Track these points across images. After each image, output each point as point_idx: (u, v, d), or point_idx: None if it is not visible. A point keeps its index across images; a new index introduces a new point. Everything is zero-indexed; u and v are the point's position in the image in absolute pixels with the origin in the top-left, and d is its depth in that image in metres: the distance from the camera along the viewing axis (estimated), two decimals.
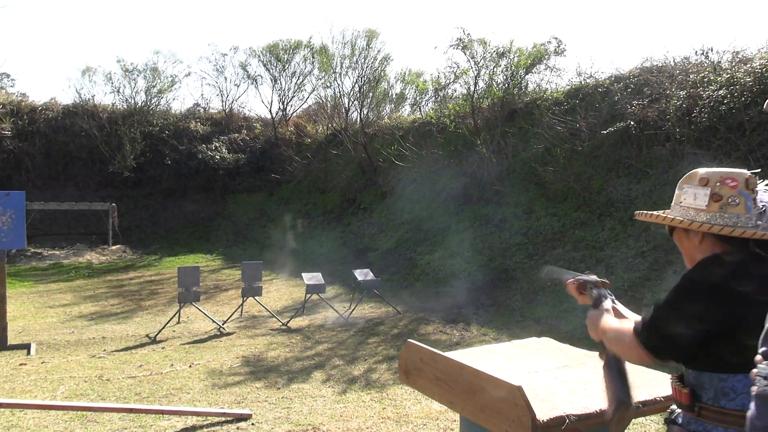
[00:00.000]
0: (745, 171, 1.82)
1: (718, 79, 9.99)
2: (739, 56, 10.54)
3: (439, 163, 15.81)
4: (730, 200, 1.77)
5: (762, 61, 9.68)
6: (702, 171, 1.84)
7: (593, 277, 2.28)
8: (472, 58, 14.72)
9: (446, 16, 60.70)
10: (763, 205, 1.79)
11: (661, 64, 12.09)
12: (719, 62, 10.70)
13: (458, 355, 2.98)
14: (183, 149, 23.80)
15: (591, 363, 2.93)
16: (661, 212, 1.93)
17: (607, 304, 2.13)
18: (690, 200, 1.83)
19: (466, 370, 2.57)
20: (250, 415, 5.22)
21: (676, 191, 1.91)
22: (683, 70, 11.18)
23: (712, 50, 11.08)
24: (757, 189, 1.80)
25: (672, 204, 1.92)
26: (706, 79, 10.27)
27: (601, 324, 2.00)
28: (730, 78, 9.77)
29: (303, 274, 10.21)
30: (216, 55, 26.42)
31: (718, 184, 1.78)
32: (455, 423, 4.96)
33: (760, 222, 1.78)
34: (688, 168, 8.18)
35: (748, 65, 9.86)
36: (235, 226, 21.99)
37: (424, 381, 2.88)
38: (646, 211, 1.97)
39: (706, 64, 10.86)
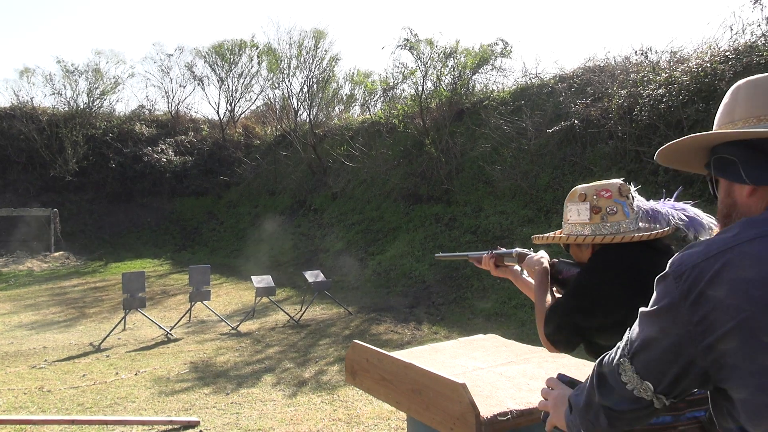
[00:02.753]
0: (617, 180, 1.94)
1: (658, 78, 10.28)
2: (677, 56, 10.88)
3: (388, 164, 15.84)
4: (608, 210, 1.89)
5: (698, 60, 10.01)
6: (579, 188, 1.95)
7: (517, 250, 2.38)
8: (420, 58, 14.80)
9: (393, 16, 60.94)
10: (638, 208, 1.92)
11: (603, 64, 12.38)
12: (658, 62, 11.02)
13: (404, 355, 2.98)
14: (128, 152, 23.22)
15: (535, 358, 2.97)
16: (552, 233, 2.07)
17: (540, 254, 2.25)
18: (575, 216, 1.93)
19: (411, 369, 2.57)
20: (198, 422, 5.12)
21: (564, 210, 2.02)
22: (624, 70, 11.47)
23: (651, 50, 11.42)
24: (630, 194, 1.93)
25: (562, 222, 2.03)
26: (645, 79, 10.56)
27: (534, 287, 2.14)
28: (669, 77, 10.06)
29: (252, 277, 10.08)
30: (161, 55, 25.83)
31: (594, 197, 1.90)
32: (406, 423, 4.96)
33: (641, 224, 1.92)
34: (630, 165, 8.43)
35: (685, 65, 10.18)
36: (183, 230, 21.58)
37: (371, 381, 2.87)
38: (541, 235, 2.10)
39: (645, 64, 11.17)
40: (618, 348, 1.20)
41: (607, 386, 1.20)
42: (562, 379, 1.59)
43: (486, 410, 2.27)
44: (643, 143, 10.04)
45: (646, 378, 1.12)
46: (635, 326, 1.16)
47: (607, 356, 1.23)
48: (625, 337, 1.19)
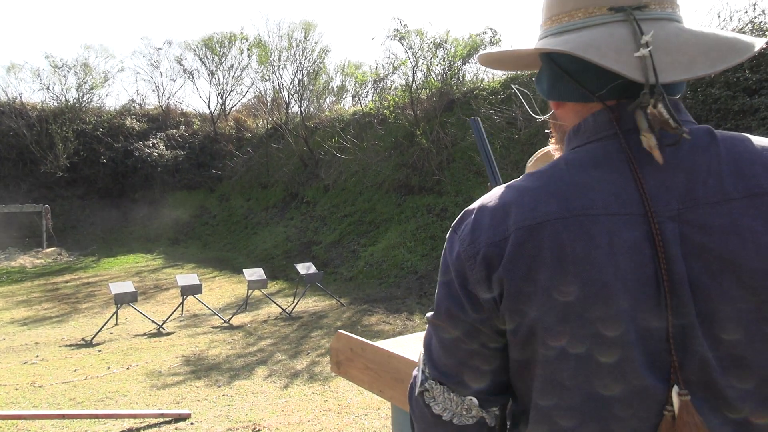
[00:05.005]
0: None
1: None
2: None
3: (380, 155, 15.85)
4: None
5: None
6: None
7: None
8: (410, 48, 14.80)
9: (383, 7, 60.77)
10: None
11: None
12: None
13: (388, 344, 3.01)
14: (119, 147, 23.14)
15: None
16: None
17: None
18: None
19: (394, 358, 2.59)
20: (189, 414, 5.14)
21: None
22: None
23: None
24: None
25: None
26: None
27: None
28: None
29: (244, 270, 10.09)
30: (150, 49, 25.78)
31: None
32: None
33: None
34: None
35: None
36: (175, 224, 21.54)
37: (355, 371, 2.89)
38: None
39: None
40: None
41: None
42: None
43: None
44: None
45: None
46: None
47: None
48: None
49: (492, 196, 0.92)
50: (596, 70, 0.88)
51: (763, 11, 9.63)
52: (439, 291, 0.94)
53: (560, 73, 0.93)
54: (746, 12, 9.80)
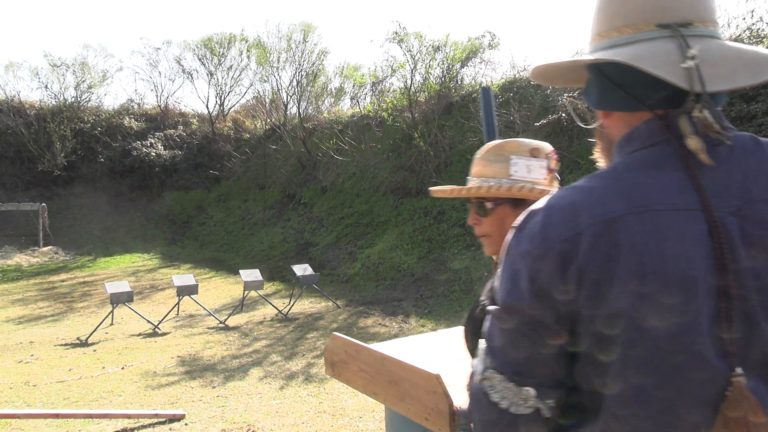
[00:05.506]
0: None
1: None
2: None
3: (378, 157, 15.85)
4: (556, 173, 1.66)
5: None
6: (523, 141, 1.64)
7: None
8: (409, 51, 14.81)
9: (382, 10, 60.86)
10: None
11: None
12: None
13: (383, 347, 3.01)
14: (117, 146, 23.12)
15: None
16: (476, 184, 1.62)
17: None
18: (522, 172, 1.59)
19: (388, 361, 2.59)
20: (184, 415, 5.14)
21: (493, 163, 1.61)
22: None
23: None
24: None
25: (485, 178, 1.61)
26: None
27: None
28: None
29: (241, 271, 10.09)
30: (149, 49, 25.73)
31: (548, 155, 1.63)
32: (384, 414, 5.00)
33: None
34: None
35: None
36: (173, 225, 21.52)
37: (349, 373, 2.89)
38: (452, 187, 1.67)
39: None
40: None
41: None
42: None
43: (460, 400, 2.30)
44: None
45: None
46: None
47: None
48: None
49: (557, 196, 0.98)
50: (644, 81, 0.95)
51: (760, 18, 9.66)
52: (504, 286, 0.99)
53: (610, 84, 1.00)
54: (744, 19, 9.83)
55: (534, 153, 1.58)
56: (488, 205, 1.58)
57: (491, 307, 1.03)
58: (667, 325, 0.88)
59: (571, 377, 0.99)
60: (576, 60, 1.04)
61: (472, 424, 1.07)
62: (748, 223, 0.89)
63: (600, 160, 1.17)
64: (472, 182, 1.61)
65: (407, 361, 2.50)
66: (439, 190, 1.63)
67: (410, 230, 12.96)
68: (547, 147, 1.62)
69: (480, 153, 1.64)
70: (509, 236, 1.02)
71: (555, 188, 1.59)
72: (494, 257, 1.65)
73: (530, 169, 1.57)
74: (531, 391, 0.97)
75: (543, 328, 0.95)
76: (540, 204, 1.00)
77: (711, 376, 0.88)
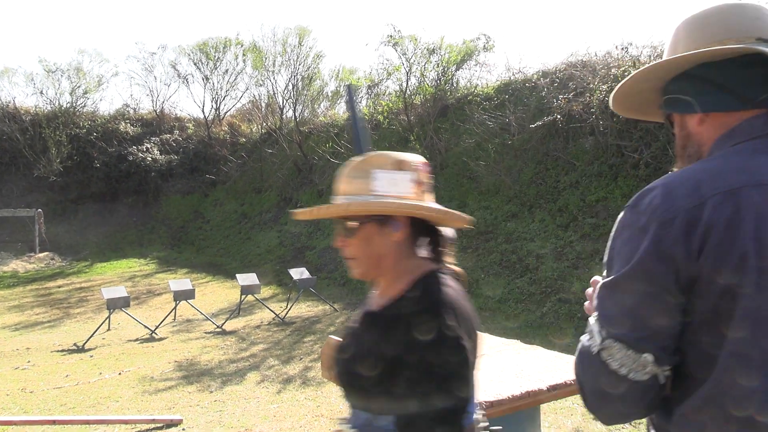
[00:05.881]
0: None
1: None
2: (657, 51, 10.96)
3: None
4: (428, 188, 1.52)
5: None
6: (386, 153, 1.50)
7: None
8: (404, 54, 14.82)
9: (377, 13, 60.95)
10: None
11: (584, 59, 12.45)
12: (639, 57, 11.10)
13: None
14: (113, 151, 23.06)
15: (508, 350, 3.01)
16: (350, 202, 1.46)
17: None
18: (386, 187, 1.44)
19: None
20: (181, 420, 5.13)
21: (355, 179, 1.47)
22: (605, 65, 11.55)
23: (631, 45, 11.50)
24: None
25: (348, 195, 1.47)
26: (626, 73, 10.63)
27: None
28: None
29: (237, 275, 10.09)
30: (144, 54, 25.69)
31: (414, 167, 1.48)
32: None
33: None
34: (612, 159, 8.45)
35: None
36: (169, 229, 21.49)
37: None
38: (310, 208, 1.51)
39: (626, 59, 11.24)
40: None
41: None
42: None
43: None
44: (624, 138, 10.12)
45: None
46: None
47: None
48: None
49: (674, 175, 1.09)
50: (753, 83, 1.09)
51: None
52: (623, 255, 1.06)
53: (712, 88, 1.12)
54: None
55: (399, 166, 1.46)
56: (352, 224, 1.47)
57: (606, 279, 1.09)
58: None
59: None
60: (697, 53, 1.11)
61: (584, 397, 1.13)
62: None
63: (676, 167, 1.24)
64: (336, 201, 1.48)
65: None
66: (300, 213, 1.50)
67: None
68: (414, 159, 1.50)
69: (343, 170, 1.53)
70: (622, 215, 1.11)
71: (428, 201, 1.48)
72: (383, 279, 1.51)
73: (395, 182, 1.45)
74: (649, 357, 1.03)
75: (665, 293, 1.02)
76: (656, 183, 1.09)
77: None
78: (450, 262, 1.59)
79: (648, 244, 1.02)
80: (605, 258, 1.14)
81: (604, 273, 1.13)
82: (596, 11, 53.53)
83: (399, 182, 1.45)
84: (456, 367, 1.29)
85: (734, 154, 1.08)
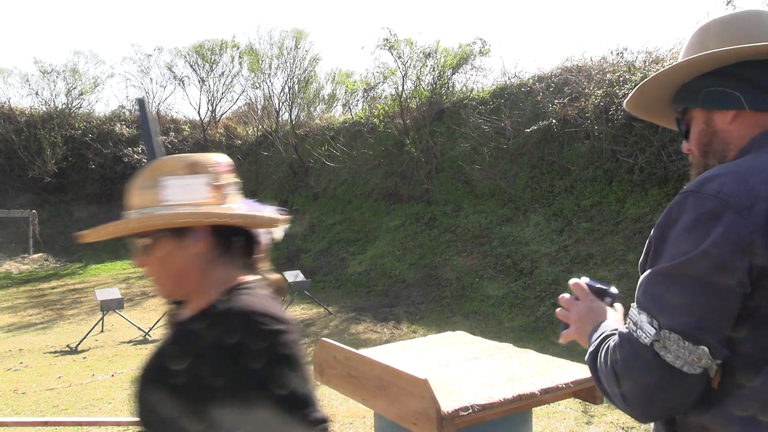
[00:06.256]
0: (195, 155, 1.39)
1: (633, 78, 10.40)
2: (652, 56, 11.02)
3: (369, 164, 15.87)
4: (229, 189, 1.38)
5: (672, 60, 10.14)
6: (186, 156, 1.37)
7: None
8: (399, 58, 14.84)
9: (373, 16, 61.08)
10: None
11: (580, 64, 12.49)
12: (634, 62, 11.15)
13: (371, 352, 3.02)
14: (108, 153, 23.01)
15: (500, 354, 3.01)
16: (132, 219, 1.31)
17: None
18: (179, 196, 1.30)
19: (377, 366, 2.61)
20: None
21: (145, 190, 1.33)
22: (600, 70, 11.59)
23: (626, 50, 11.56)
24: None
25: (138, 209, 1.32)
26: (621, 78, 10.68)
27: None
28: (644, 77, 10.17)
29: None
30: (140, 55, 25.57)
31: (211, 168, 1.34)
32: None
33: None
34: (607, 164, 8.46)
35: (660, 64, 10.32)
36: None
37: (338, 379, 2.90)
38: (137, 218, 1.31)
39: (621, 64, 11.29)
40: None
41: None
42: (591, 286, 1.35)
43: (448, 405, 2.31)
44: (619, 142, 10.16)
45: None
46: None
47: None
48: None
49: (735, 165, 1.09)
50: None
51: None
52: (686, 241, 1.02)
53: (751, 87, 1.14)
54: None
55: (192, 169, 1.32)
56: (145, 241, 1.31)
57: (662, 265, 1.05)
58: None
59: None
60: (753, 47, 1.12)
61: (623, 392, 1.07)
62: None
63: (698, 159, 1.25)
64: (125, 216, 1.33)
65: (395, 366, 2.51)
66: (87, 233, 1.34)
67: (401, 236, 12.98)
68: (212, 159, 1.36)
69: (134, 181, 1.38)
70: (680, 199, 1.07)
71: (233, 204, 1.36)
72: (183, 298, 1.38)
73: (188, 189, 1.31)
74: (705, 349, 0.99)
75: (735, 283, 0.99)
76: (715, 171, 1.07)
77: None
78: (264, 269, 1.45)
79: (722, 231, 0.98)
80: (651, 244, 1.11)
81: (645, 260, 1.12)
82: (592, 16, 53.73)
83: (193, 188, 1.31)
84: (277, 364, 1.17)
85: None
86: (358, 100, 19.96)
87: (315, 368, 3.06)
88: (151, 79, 25.89)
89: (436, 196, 13.34)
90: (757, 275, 0.98)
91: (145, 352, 7.97)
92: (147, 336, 8.77)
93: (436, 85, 15.05)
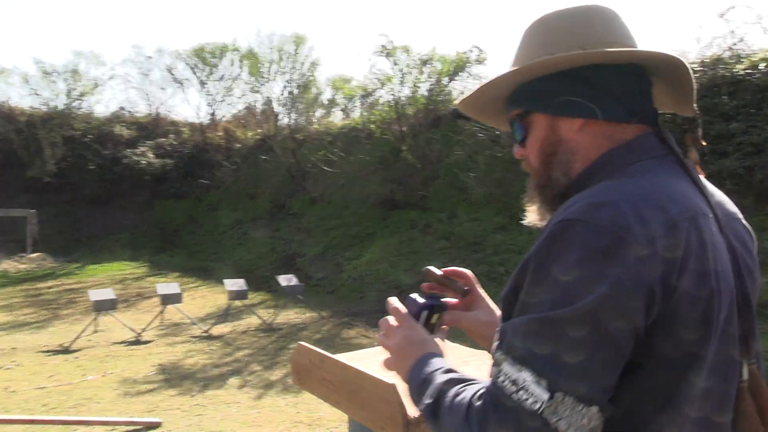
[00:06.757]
0: None
1: None
2: None
3: (366, 169, 15.95)
4: None
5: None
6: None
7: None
8: (396, 64, 14.93)
9: (372, 23, 61.26)
10: None
11: None
12: None
13: (346, 357, 3.08)
14: (107, 154, 23.10)
15: (474, 361, 3.07)
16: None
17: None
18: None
19: (349, 371, 2.66)
20: (160, 423, 5.18)
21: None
22: None
23: None
24: None
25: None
26: None
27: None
28: None
29: (225, 281, 10.14)
30: (141, 57, 25.72)
31: None
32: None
33: None
34: None
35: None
36: (162, 233, 21.52)
37: (312, 382, 2.96)
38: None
39: None
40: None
41: None
42: (412, 306, 1.17)
43: (414, 410, 2.37)
44: None
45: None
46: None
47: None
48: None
49: (615, 188, 0.92)
50: (634, 94, 1.02)
51: (741, 39, 9.86)
52: (578, 281, 0.84)
53: (603, 94, 1.01)
54: (724, 38, 10.02)
55: None
56: None
57: (550, 313, 0.85)
58: (725, 327, 0.91)
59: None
60: (615, 52, 0.99)
61: None
62: (732, 234, 0.98)
63: (539, 168, 1.10)
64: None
65: (366, 370, 2.58)
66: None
67: (396, 242, 13.05)
68: None
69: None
70: (563, 229, 0.88)
71: None
72: None
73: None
74: (596, 409, 0.84)
75: (629, 329, 0.84)
76: (598, 197, 0.90)
77: (733, 365, 0.94)
78: None
79: (621, 273, 0.83)
80: (525, 276, 0.90)
81: (513, 295, 0.93)
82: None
83: None
84: None
85: (652, 174, 0.96)
86: (356, 105, 20.07)
87: (292, 371, 3.13)
88: (151, 81, 26.01)
89: (432, 203, 13.42)
90: (653, 322, 0.86)
91: (137, 352, 8.05)
92: (139, 337, 8.83)
93: (432, 92, 15.13)
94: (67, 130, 22.90)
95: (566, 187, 1.06)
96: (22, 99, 24.13)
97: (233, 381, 6.65)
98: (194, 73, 24.52)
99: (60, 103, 23.44)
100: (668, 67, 1.03)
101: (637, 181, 0.94)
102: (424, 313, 1.17)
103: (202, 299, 12.38)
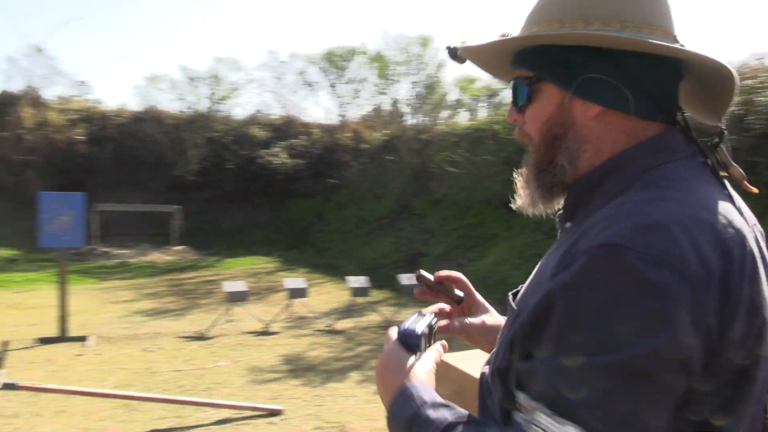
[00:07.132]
0: None
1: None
2: None
3: (491, 170, 15.78)
4: None
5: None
6: None
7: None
8: None
9: (497, 23, 60.32)
10: None
11: None
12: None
13: (454, 356, 3.07)
14: (244, 154, 24.45)
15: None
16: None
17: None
18: None
19: (452, 369, 2.66)
20: (282, 410, 5.43)
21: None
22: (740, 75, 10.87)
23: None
24: None
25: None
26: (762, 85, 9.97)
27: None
28: None
29: (348, 278, 10.42)
30: (275, 62, 27.02)
31: None
32: None
33: None
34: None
35: None
36: (292, 230, 22.45)
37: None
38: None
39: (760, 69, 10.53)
40: None
41: None
42: (405, 340, 1.00)
43: None
44: (758, 153, 9.49)
45: None
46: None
47: None
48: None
49: (665, 203, 0.79)
50: (664, 92, 0.91)
51: None
52: (636, 325, 0.71)
53: (635, 85, 0.88)
54: None
55: None
56: None
57: (607, 357, 0.71)
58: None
59: None
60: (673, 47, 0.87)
61: None
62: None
63: (540, 149, 0.97)
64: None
65: (468, 371, 2.57)
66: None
67: (520, 245, 12.81)
68: None
69: None
70: (603, 253, 0.74)
71: None
72: None
73: None
74: None
75: (687, 374, 0.73)
76: (648, 216, 0.76)
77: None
78: None
79: (685, 317, 0.70)
80: (556, 308, 0.76)
81: (542, 328, 0.77)
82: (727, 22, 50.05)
83: None
84: None
85: (689, 182, 0.84)
86: (481, 105, 19.93)
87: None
88: (284, 84, 27.18)
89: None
90: (708, 359, 0.74)
91: (265, 342, 8.47)
92: (267, 328, 9.28)
93: None
94: (209, 131, 24.49)
95: (570, 178, 0.93)
96: (170, 103, 26.12)
97: (353, 375, 6.83)
98: (325, 76, 25.41)
99: (203, 106, 25.12)
100: (713, 74, 0.91)
101: (678, 194, 0.81)
102: (423, 341, 1.03)
103: (327, 295, 12.80)
